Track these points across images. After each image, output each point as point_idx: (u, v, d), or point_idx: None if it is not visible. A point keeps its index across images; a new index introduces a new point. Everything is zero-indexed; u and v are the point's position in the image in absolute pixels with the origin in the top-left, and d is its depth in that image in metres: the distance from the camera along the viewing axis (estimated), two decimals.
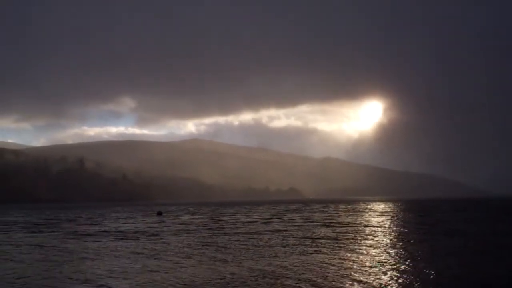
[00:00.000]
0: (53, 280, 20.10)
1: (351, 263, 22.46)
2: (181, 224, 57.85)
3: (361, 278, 18.50)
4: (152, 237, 39.32)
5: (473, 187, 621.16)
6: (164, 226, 54.61)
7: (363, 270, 20.46)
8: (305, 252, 27.20)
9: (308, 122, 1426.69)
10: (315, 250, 27.69)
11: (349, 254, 25.49)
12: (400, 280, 17.92)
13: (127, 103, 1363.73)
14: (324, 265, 22.07)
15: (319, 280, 18.36)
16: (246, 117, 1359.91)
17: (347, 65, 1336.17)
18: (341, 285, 17.54)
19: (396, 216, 71.22)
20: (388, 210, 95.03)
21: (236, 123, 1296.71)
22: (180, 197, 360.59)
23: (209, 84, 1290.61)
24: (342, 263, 22.56)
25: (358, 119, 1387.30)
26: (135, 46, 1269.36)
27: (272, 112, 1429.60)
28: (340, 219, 61.23)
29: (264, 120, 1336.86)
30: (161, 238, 38.21)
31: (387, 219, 61.18)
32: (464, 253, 25.84)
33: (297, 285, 17.63)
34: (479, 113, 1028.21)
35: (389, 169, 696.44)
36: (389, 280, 17.90)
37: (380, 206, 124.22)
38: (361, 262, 22.75)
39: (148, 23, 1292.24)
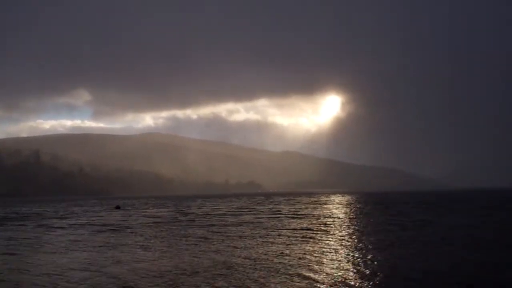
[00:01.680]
0: (10, 273, 19.87)
1: (310, 253, 22.85)
2: (147, 217, 57.74)
3: (317, 268, 18.94)
4: (118, 230, 39.27)
5: (431, 180, 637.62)
6: (131, 219, 54.39)
7: (322, 259, 20.94)
8: (274, 242, 27.72)
9: (267, 116, 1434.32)
10: (284, 241, 28.25)
11: (310, 245, 25.96)
12: (345, 270, 18.31)
13: (83, 96, 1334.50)
14: (286, 255, 22.55)
15: (280, 269, 18.81)
16: (205, 110, 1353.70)
17: (306, 60, 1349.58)
18: (292, 273, 17.95)
19: (355, 208, 73.03)
20: (348, 203, 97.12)
21: (194, 116, 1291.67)
22: (139, 191, 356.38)
23: (167, 77, 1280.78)
24: (299, 253, 22.97)
25: (317, 113, 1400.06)
26: (91, 38, 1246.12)
27: (231, 106, 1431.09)
28: (306, 211, 62.38)
29: (223, 114, 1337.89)
30: (128, 231, 38.20)
31: (348, 211, 62.92)
32: (413, 244, 26.28)
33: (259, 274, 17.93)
34: (438, 108, 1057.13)
35: (347, 162, 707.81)
36: (337, 270, 18.28)
37: (339, 199, 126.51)
38: (321, 252, 23.27)
39: (104, 16, 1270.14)
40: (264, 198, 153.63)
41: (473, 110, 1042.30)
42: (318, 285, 15.73)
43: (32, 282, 17.80)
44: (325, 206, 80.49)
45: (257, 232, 34.26)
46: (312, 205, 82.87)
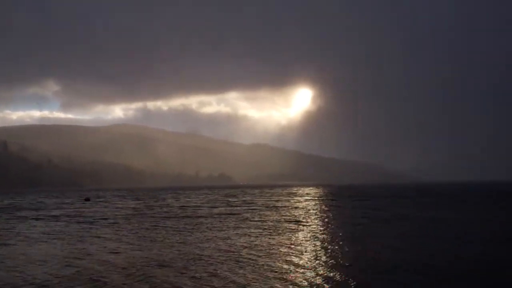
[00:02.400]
0: None
1: (281, 244, 23.33)
2: (119, 209, 57.86)
3: (287, 259, 19.46)
4: (90, 222, 39.27)
5: (402, 174, 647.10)
6: (103, 211, 54.13)
7: (293, 251, 21.40)
8: (248, 234, 28.30)
9: (238, 109, 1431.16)
10: (257, 233, 28.85)
11: (283, 237, 26.53)
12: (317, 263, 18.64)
13: (52, 86, 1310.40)
14: (258, 245, 23.12)
15: (249, 260, 19.33)
16: (176, 102, 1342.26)
17: (277, 53, 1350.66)
18: (267, 264, 18.32)
19: (328, 201, 74.31)
20: (320, 195, 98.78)
21: (165, 108, 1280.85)
22: (109, 183, 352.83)
23: (137, 68, 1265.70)
24: (270, 244, 23.49)
25: (288, 106, 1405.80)
26: (60, 29, 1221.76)
27: (202, 98, 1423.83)
28: (279, 204, 63.34)
29: (194, 106, 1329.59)
30: (100, 223, 38.25)
31: (321, 204, 63.94)
32: (387, 236, 26.89)
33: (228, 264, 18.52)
34: (411, 102, 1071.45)
35: (318, 155, 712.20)
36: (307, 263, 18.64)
37: (311, 191, 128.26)
38: (293, 243, 23.82)
39: (74, 7, 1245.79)
40: (236, 190, 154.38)
41: (447, 104, 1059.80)
42: (285, 276, 16.16)
43: None
44: (298, 198, 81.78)
45: (232, 224, 34.86)
46: (285, 198, 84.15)
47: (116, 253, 22.14)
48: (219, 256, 20.40)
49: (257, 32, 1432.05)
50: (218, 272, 16.98)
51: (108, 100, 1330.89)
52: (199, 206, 60.13)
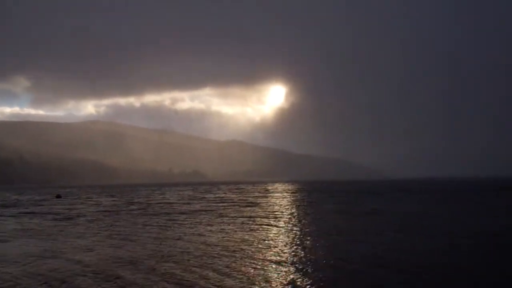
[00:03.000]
0: None
1: (259, 240, 23.38)
2: (93, 206, 57.09)
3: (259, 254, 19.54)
4: (63, 219, 38.59)
5: (373, 170, 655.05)
6: (76, 208, 53.33)
7: (266, 246, 21.41)
8: (225, 230, 28.19)
9: (211, 105, 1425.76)
10: (230, 228, 28.89)
11: (256, 232, 26.62)
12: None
13: (21, 82, 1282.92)
14: (236, 242, 22.96)
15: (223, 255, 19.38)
16: (149, 98, 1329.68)
17: (250, 50, 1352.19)
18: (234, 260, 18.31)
19: (303, 197, 74.97)
20: (295, 191, 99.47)
21: (138, 104, 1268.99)
22: (82, 180, 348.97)
23: (110, 64, 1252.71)
24: (247, 240, 23.51)
25: (262, 103, 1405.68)
26: (30, 23, 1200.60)
27: (176, 94, 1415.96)
28: (255, 200, 63.59)
29: (167, 102, 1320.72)
30: (74, 221, 37.67)
31: (296, 200, 64.66)
32: (359, 231, 27.23)
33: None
34: (383, 99, 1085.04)
35: (292, 152, 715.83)
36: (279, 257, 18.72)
37: (286, 188, 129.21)
38: (266, 239, 23.79)
39: (45, 2, 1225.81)
40: (210, 187, 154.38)
41: (416, 101, 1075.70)
42: (257, 271, 16.15)
43: None
44: (272, 195, 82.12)
45: (207, 220, 34.66)
46: (259, 194, 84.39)
47: (90, 250, 21.72)
48: (193, 252, 20.25)
49: (230, 29, 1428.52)
50: (192, 268, 16.78)
51: (80, 96, 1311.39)
52: (174, 203, 59.76)
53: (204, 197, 75.38)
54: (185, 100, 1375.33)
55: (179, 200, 67.85)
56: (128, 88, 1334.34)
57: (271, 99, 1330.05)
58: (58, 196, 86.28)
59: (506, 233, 26.03)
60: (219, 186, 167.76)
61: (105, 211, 47.87)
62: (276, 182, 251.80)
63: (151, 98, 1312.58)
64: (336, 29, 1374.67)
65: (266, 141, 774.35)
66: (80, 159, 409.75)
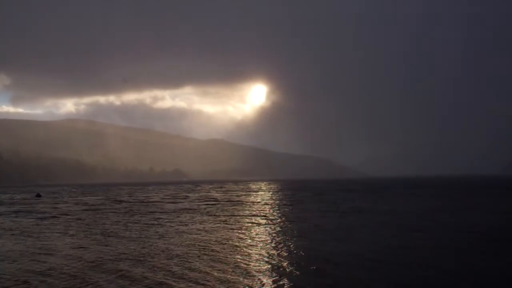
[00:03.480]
0: None
1: (242, 238, 23.72)
2: (75, 204, 56.67)
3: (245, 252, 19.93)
4: (44, 218, 38.42)
5: (353, 169, 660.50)
6: (59, 207, 53.01)
7: (248, 245, 21.74)
8: (210, 228, 28.50)
9: (192, 104, 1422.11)
10: (219, 227, 29.21)
11: (243, 231, 26.95)
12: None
13: (2, 80, 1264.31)
14: (218, 239, 23.40)
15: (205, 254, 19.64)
16: (129, 97, 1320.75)
17: (232, 49, 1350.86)
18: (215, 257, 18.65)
19: (287, 195, 75.47)
20: (278, 190, 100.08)
21: (118, 103, 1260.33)
22: (61, 179, 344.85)
23: (90, 62, 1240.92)
24: (229, 238, 23.78)
25: (243, 102, 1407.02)
26: (10, 22, 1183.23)
27: (156, 92, 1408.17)
28: (239, 198, 64.06)
29: (148, 101, 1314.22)
30: (56, 219, 37.56)
31: (280, 198, 65.16)
32: (345, 229, 27.53)
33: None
34: (363, 100, 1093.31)
35: (273, 150, 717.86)
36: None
37: (269, 186, 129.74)
38: (249, 237, 24.20)
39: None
40: (193, 186, 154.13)
41: (394, 102, 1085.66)
42: (239, 268, 16.48)
43: None
44: (256, 193, 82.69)
45: (190, 218, 35.07)
46: (243, 193, 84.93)
47: (83, 248, 21.84)
48: (185, 250, 20.53)
49: (212, 28, 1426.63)
50: (192, 266, 17.07)
51: (60, 94, 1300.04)
52: (159, 202, 59.83)
53: (188, 196, 75.56)
54: (166, 99, 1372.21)
55: (163, 199, 67.85)
56: (108, 87, 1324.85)
57: (252, 98, 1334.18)
58: (38, 196, 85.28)
59: (474, 228, 26.81)
60: (201, 185, 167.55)
61: (88, 209, 47.80)
62: (257, 181, 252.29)
63: (131, 97, 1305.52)
64: (318, 31, 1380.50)
65: (248, 140, 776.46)
66: (59, 158, 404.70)
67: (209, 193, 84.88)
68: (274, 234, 25.49)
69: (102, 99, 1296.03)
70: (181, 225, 30.92)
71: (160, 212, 41.88)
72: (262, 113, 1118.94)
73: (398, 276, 15.18)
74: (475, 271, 15.85)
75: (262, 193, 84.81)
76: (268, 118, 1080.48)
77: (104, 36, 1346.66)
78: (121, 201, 62.74)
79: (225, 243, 22.19)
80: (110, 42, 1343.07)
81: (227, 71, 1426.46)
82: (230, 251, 20.01)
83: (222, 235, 25.07)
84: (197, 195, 79.06)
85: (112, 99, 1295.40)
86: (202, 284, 14.33)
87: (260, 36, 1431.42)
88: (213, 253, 19.42)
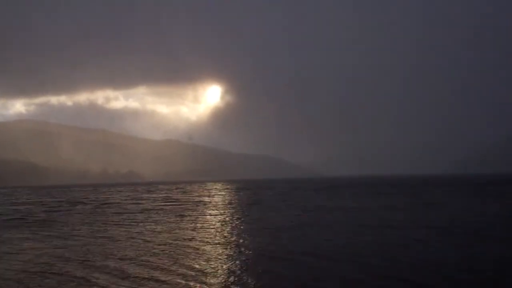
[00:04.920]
0: None
1: (193, 233, 25.22)
2: (34, 206, 56.33)
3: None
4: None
5: (306, 168, 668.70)
6: (21, 209, 52.35)
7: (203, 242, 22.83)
8: (172, 228, 29.51)
9: (146, 104, 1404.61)
10: (170, 224, 30.60)
11: (202, 231, 27.51)
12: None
13: None
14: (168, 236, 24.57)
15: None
16: (81, 97, 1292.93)
17: (186, 49, 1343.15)
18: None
19: (248, 195, 77.03)
20: (237, 190, 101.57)
21: (69, 103, 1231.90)
22: (9, 182, 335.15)
23: (40, 62, 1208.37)
24: (179, 237, 24.45)
25: (198, 102, 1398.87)
26: None
27: (109, 93, 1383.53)
28: (202, 199, 65.32)
29: (100, 101, 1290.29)
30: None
31: (241, 198, 66.80)
32: (308, 226, 28.99)
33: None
34: (315, 101, 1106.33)
35: (228, 150, 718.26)
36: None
37: (227, 187, 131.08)
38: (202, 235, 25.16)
39: None
40: (149, 187, 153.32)
41: (346, 103, 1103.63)
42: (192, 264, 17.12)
43: None
44: (214, 193, 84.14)
45: (161, 218, 36.10)
46: (202, 193, 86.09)
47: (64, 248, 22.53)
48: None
49: (165, 28, 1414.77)
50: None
51: (8, 94, 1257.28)
52: (121, 203, 60.13)
53: (151, 197, 76.00)
54: (119, 99, 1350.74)
55: (125, 200, 68.22)
56: (59, 86, 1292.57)
57: (207, 98, 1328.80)
58: None
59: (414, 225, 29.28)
60: (158, 186, 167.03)
61: (52, 211, 47.97)
62: (212, 181, 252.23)
63: (83, 97, 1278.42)
64: (274, 32, 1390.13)
65: (202, 141, 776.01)
66: (7, 160, 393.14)
67: (169, 194, 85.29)
68: (237, 232, 26.58)
69: (53, 99, 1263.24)
70: (134, 225, 31.76)
71: (128, 213, 42.35)
72: (216, 113, 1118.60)
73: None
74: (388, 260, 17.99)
75: (221, 193, 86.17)
76: (223, 118, 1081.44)
77: (55, 35, 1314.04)
78: (81, 202, 62.51)
79: (185, 242, 22.80)
80: (61, 42, 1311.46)
81: (182, 71, 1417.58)
82: (187, 250, 20.58)
83: (181, 234, 25.83)
84: (158, 196, 79.38)
85: (63, 99, 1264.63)
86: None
87: (215, 36, 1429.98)
88: (168, 254, 19.73)
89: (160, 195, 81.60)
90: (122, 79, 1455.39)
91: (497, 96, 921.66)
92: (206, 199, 65.65)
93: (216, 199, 65.84)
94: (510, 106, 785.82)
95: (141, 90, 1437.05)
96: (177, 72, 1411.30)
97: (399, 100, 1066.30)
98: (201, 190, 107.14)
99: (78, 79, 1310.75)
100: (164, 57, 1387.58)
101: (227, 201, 59.41)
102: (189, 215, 38.54)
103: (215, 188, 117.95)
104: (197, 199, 65.77)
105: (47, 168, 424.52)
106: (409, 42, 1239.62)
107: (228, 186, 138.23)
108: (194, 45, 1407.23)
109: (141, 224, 32.41)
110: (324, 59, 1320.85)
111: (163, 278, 15.23)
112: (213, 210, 43.85)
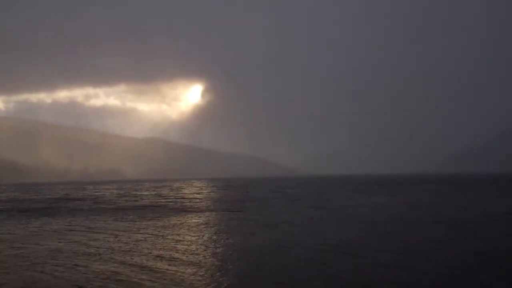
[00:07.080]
0: None
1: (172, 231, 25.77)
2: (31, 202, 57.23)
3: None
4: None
5: (290, 168, 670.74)
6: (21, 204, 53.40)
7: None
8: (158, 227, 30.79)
9: (126, 102, 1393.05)
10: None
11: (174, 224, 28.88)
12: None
13: None
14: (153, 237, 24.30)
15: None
16: (61, 94, 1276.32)
17: (166, 46, 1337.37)
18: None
19: (239, 193, 78.57)
20: (223, 188, 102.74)
21: (49, 100, 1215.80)
22: None
23: (18, 58, 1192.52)
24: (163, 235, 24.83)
25: (179, 100, 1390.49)
26: None
27: (89, 90, 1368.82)
28: (191, 196, 66.67)
29: (80, 99, 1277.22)
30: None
31: (230, 196, 68.43)
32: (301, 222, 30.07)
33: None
34: (296, 102, 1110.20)
35: (210, 149, 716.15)
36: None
37: (212, 184, 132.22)
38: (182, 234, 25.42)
39: None
40: (134, 185, 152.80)
41: (326, 103, 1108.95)
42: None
43: None
44: (202, 191, 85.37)
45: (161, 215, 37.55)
46: (193, 190, 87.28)
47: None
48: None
49: (145, 24, 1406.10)
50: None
51: None
52: (120, 198, 61.09)
53: (143, 194, 76.71)
54: (100, 97, 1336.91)
55: (119, 196, 69.04)
56: (38, 84, 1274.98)
57: (188, 97, 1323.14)
58: None
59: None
60: (142, 183, 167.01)
61: (46, 208, 48.37)
62: (195, 179, 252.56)
63: (63, 94, 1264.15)
64: (256, 31, 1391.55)
65: (184, 139, 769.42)
66: None
67: (158, 192, 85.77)
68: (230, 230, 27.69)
69: (32, 96, 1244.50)
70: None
71: (127, 210, 43.51)
72: (197, 111, 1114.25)
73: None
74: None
75: (208, 191, 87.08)
76: (204, 116, 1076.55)
77: (34, 31, 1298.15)
78: (71, 200, 62.75)
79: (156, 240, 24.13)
80: (40, 38, 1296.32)
81: (163, 69, 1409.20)
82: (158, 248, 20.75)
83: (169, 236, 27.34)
84: (149, 193, 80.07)
85: (43, 96, 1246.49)
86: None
87: (196, 35, 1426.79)
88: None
89: (151, 192, 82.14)
90: (102, 76, 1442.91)
91: (484, 96, 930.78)
92: (198, 196, 66.66)
93: (205, 195, 66.78)
94: (497, 107, 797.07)
95: (121, 88, 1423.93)
96: (157, 71, 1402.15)
97: (379, 99, 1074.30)
98: (186, 187, 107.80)
99: (57, 77, 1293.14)
100: (144, 56, 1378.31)
101: (223, 198, 60.47)
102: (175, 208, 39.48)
103: (202, 186, 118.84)
104: (189, 196, 66.77)
105: (26, 166, 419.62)
106: (396, 41, 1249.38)
107: (213, 184, 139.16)
108: (174, 44, 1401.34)
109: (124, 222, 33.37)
110: (309, 58, 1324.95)
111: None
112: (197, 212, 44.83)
